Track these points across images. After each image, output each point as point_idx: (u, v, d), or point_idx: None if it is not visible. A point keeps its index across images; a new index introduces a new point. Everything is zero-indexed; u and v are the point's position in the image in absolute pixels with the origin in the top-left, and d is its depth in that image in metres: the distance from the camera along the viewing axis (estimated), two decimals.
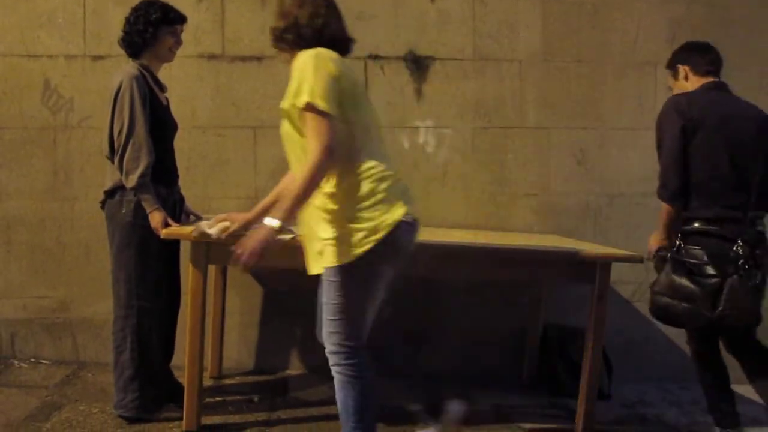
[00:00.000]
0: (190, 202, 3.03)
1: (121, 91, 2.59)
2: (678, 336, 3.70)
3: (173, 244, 2.77)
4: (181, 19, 2.78)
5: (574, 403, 2.90)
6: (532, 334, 3.58)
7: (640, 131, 3.71)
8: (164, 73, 3.43)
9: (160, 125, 2.70)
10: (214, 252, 2.61)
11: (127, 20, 2.71)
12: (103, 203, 2.75)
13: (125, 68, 2.67)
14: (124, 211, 2.65)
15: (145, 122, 2.60)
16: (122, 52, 3.39)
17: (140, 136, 2.58)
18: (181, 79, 3.47)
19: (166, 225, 2.62)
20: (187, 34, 3.43)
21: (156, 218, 2.61)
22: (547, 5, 3.66)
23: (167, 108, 2.84)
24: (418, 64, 3.61)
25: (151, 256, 2.68)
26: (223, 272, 3.39)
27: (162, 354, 2.81)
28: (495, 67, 3.64)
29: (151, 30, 2.67)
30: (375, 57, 3.58)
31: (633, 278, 3.63)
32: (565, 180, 3.69)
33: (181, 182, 3.51)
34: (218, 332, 3.39)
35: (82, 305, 3.50)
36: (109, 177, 2.70)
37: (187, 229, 2.61)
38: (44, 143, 3.45)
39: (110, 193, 2.70)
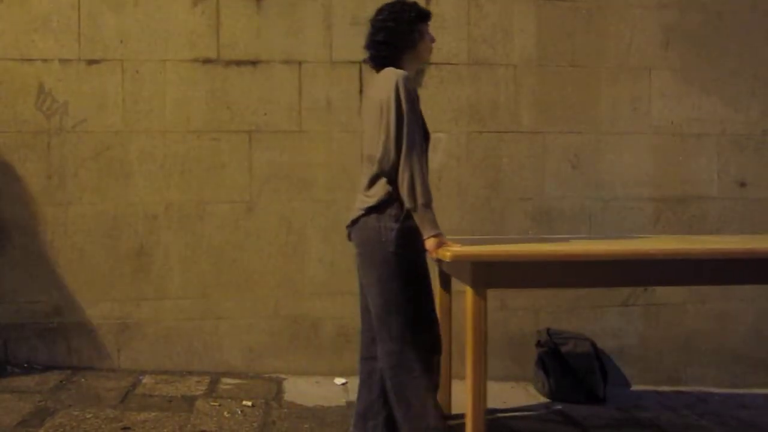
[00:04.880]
0: (185, 207, 3.02)
1: (400, 93, 2.30)
2: (674, 339, 3.71)
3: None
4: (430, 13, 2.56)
5: (568, 407, 2.90)
6: (528, 338, 3.58)
7: (634, 135, 3.73)
8: (158, 77, 3.45)
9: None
10: (496, 274, 2.34)
11: (384, 28, 2.45)
12: (355, 221, 2.43)
13: (391, 70, 2.38)
14: (384, 240, 2.35)
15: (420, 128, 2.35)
16: (118, 56, 3.44)
17: (420, 144, 2.33)
18: (175, 83, 3.47)
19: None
20: (181, 38, 3.48)
21: (431, 244, 2.32)
22: (541, 10, 3.67)
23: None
24: None
25: (421, 284, 2.43)
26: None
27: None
28: (490, 71, 3.65)
29: (415, 29, 2.45)
30: None
31: None
32: (560, 184, 3.70)
33: (174, 187, 3.52)
34: None
35: (76, 310, 3.48)
36: (373, 191, 2.39)
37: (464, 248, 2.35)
38: (38, 147, 3.44)
39: (371, 210, 2.38)
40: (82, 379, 3.32)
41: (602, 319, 3.73)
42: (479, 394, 2.34)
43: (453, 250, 2.30)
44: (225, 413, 2.97)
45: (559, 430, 2.99)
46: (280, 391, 3.30)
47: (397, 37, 2.45)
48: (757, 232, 3.82)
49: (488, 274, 2.33)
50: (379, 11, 2.51)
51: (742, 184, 3.82)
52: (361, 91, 3.57)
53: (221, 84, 3.51)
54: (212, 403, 3.07)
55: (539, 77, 3.69)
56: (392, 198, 2.35)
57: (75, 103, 3.44)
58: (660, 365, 3.71)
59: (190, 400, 3.08)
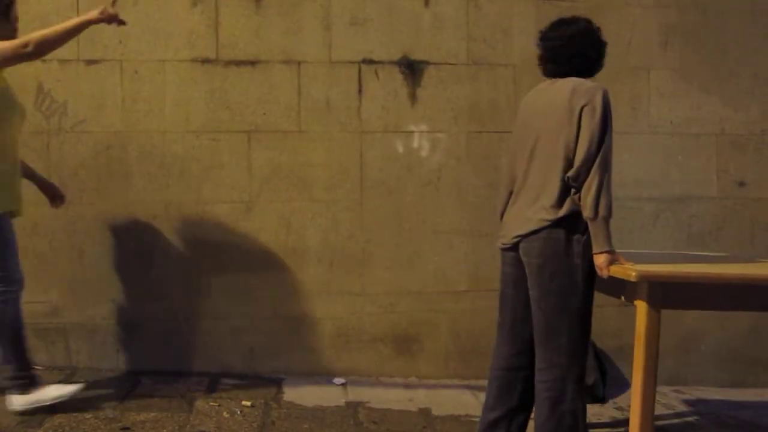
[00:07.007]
0: (184, 207, 3.02)
1: (602, 105, 2.34)
2: (674, 339, 3.71)
3: None
4: None
5: None
6: None
7: (633, 135, 3.73)
8: (157, 77, 3.45)
9: None
10: (673, 295, 2.42)
11: (598, 44, 2.55)
12: (535, 231, 2.40)
13: (587, 81, 2.43)
14: (571, 252, 2.36)
15: None
16: (117, 56, 3.44)
17: (611, 159, 2.34)
18: (175, 83, 3.47)
19: None
20: (181, 38, 3.48)
21: (603, 259, 2.32)
22: (541, 10, 3.67)
23: None
24: (412, 69, 3.62)
25: (592, 296, 2.46)
26: None
27: None
28: (489, 71, 3.65)
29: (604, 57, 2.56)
30: (369, 62, 3.59)
31: None
32: None
33: (174, 186, 3.51)
34: None
35: (76, 310, 3.47)
36: (562, 202, 2.36)
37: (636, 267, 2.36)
38: (37, 147, 3.43)
39: (560, 221, 2.36)
40: (82, 379, 3.32)
41: (602, 319, 3.72)
42: (648, 412, 2.45)
43: (636, 269, 2.33)
44: (224, 413, 2.97)
45: None
46: (279, 392, 3.30)
47: (592, 60, 2.52)
48: (756, 232, 3.82)
49: (666, 295, 2.39)
50: (566, 24, 2.59)
51: (742, 184, 3.82)
52: (360, 91, 3.58)
53: (220, 84, 3.51)
54: (212, 404, 3.07)
55: (539, 77, 3.65)
56: (579, 208, 2.35)
57: (74, 103, 3.44)
58: (660, 365, 3.68)
59: (189, 401, 3.08)
